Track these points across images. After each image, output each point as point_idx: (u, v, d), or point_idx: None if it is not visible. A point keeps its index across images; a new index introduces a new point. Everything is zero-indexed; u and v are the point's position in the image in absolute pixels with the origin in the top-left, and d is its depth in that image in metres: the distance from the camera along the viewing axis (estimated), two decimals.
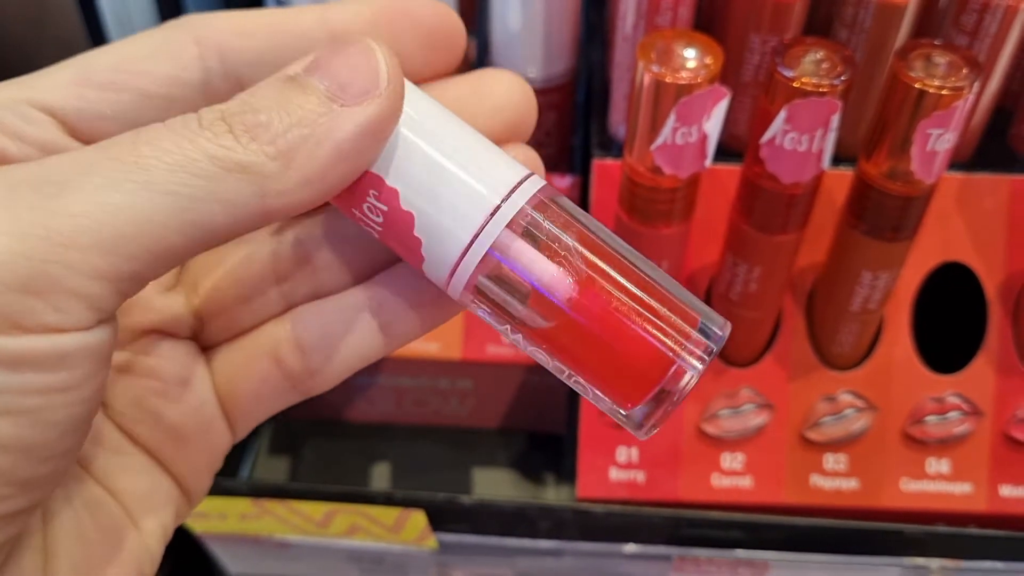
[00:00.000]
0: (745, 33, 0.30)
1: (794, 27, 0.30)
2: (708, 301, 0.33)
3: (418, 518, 0.31)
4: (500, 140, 0.18)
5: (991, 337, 0.32)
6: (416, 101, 0.16)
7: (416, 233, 0.16)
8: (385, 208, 0.16)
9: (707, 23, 0.32)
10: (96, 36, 0.36)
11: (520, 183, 0.16)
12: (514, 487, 0.38)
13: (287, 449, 0.40)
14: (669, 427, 0.32)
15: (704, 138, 0.26)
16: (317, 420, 0.40)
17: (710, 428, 0.32)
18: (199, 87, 0.17)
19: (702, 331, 0.16)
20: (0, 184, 0.14)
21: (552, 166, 0.37)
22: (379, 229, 0.17)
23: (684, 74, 0.25)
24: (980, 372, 0.32)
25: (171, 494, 0.19)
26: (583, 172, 0.36)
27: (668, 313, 0.16)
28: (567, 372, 0.17)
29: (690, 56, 0.25)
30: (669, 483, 0.33)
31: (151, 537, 0.19)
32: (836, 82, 0.25)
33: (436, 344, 0.36)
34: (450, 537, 0.32)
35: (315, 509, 0.31)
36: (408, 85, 0.16)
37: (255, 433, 0.40)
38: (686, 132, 0.26)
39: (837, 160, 0.31)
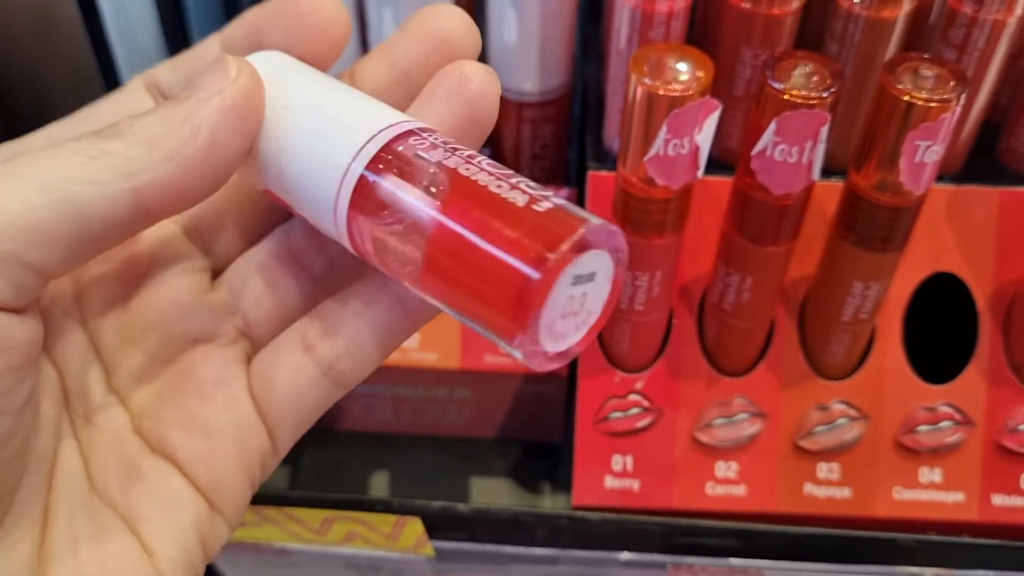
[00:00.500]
0: (737, 48, 0.31)
1: (785, 41, 0.30)
2: (701, 311, 0.33)
3: (415, 525, 0.31)
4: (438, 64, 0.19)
5: (982, 347, 0.33)
6: (289, 96, 0.18)
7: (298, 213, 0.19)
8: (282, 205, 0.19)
9: (700, 38, 0.33)
10: (100, 50, 0.37)
11: (378, 132, 0.17)
12: (511, 495, 0.39)
13: (286, 458, 0.40)
14: (664, 436, 0.33)
15: (696, 150, 0.27)
16: (315, 429, 0.40)
17: (704, 437, 0.33)
18: None
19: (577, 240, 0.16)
20: None
21: (548, 178, 0.38)
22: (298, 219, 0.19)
23: (676, 87, 0.25)
24: (971, 382, 0.33)
25: (193, 503, 0.19)
26: (579, 184, 0.36)
27: (525, 225, 0.16)
28: (453, 309, 0.17)
29: (682, 69, 0.26)
30: (664, 491, 0.33)
31: (160, 554, 0.18)
32: (825, 94, 0.25)
33: (434, 354, 0.36)
34: (447, 545, 0.33)
35: (313, 516, 0.31)
36: (288, 85, 0.18)
37: None
38: (678, 144, 0.26)
39: (828, 173, 0.32)
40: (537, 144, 0.37)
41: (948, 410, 0.32)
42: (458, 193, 0.16)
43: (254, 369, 0.20)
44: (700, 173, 0.28)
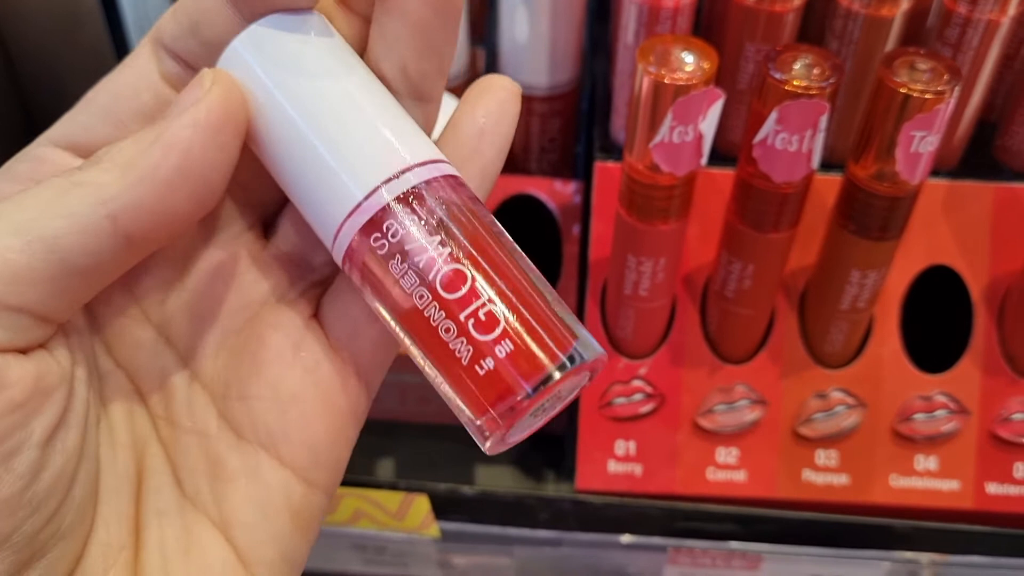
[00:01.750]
0: (740, 42, 0.32)
1: (787, 37, 0.31)
2: (704, 299, 0.34)
3: (421, 503, 0.32)
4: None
5: (977, 338, 0.34)
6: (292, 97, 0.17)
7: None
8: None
9: (705, 33, 0.34)
10: (120, 44, 0.38)
11: (397, 174, 0.16)
12: (515, 482, 0.39)
13: None
14: (666, 421, 0.34)
15: (700, 137, 0.28)
16: None
17: (706, 423, 0.33)
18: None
19: (570, 358, 0.16)
20: None
21: (556, 171, 0.39)
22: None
23: (681, 75, 0.26)
24: (966, 372, 0.33)
25: (286, 491, 0.18)
26: (586, 177, 0.37)
27: (530, 333, 0.15)
28: (426, 368, 0.16)
29: (687, 59, 0.27)
30: (666, 476, 0.34)
31: (256, 559, 0.18)
32: (824, 85, 0.26)
33: None
34: (452, 526, 0.33)
35: None
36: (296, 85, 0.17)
37: None
38: (683, 131, 0.27)
39: (828, 166, 0.33)
40: (546, 138, 0.38)
41: (944, 399, 0.33)
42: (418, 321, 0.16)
43: (328, 314, 0.19)
44: (704, 161, 0.29)
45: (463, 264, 0.16)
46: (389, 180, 0.16)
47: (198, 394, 0.19)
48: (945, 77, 0.27)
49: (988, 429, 0.33)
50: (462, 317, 0.15)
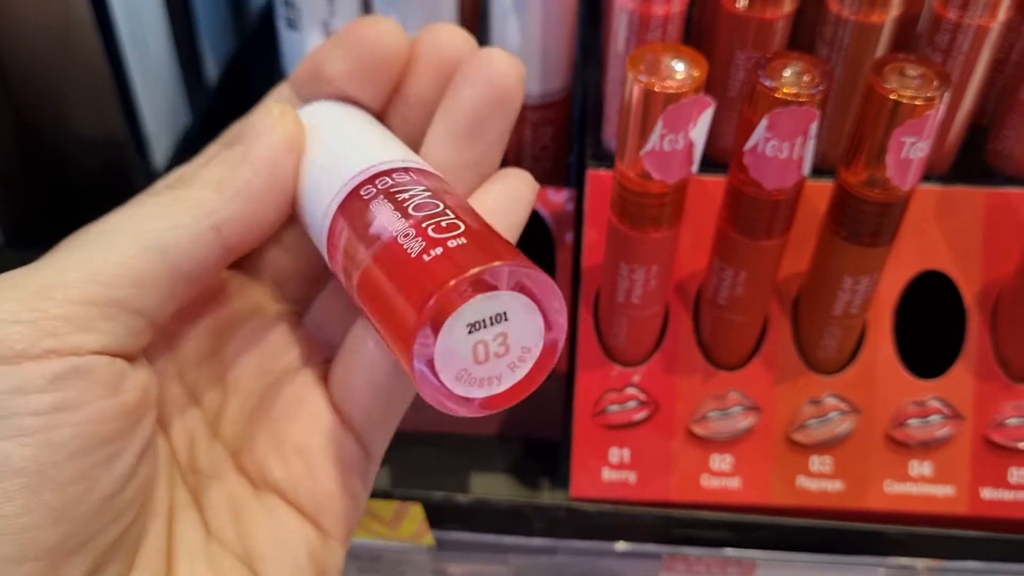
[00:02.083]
0: (731, 51, 0.32)
1: (777, 44, 0.31)
2: (697, 306, 0.34)
3: (416, 512, 0.32)
4: (486, 113, 0.20)
5: (970, 343, 0.34)
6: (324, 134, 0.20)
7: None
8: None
9: (695, 41, 0.34)
10: (113, 56, 0.38)
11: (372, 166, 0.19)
12: (510, 490, 0.39)
13: None
14: (660, 429, 0.34)
15: (690, 145, 0.28)
16: None
17: (699, 430, 0.33)
18: None
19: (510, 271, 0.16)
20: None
21: (548, 180, 0.39)
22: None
23: (671, 84, 0.26)
24: (960, 377, 0.33)
25: (302, 533, 0.19)
26: (579, 185, 0.37)
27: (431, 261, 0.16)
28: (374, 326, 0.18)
29: (677, 67, 0.27)
30: (660, 483, 0.34)
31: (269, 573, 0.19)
32: (814, 92, 0.27)
33: None
34: (447, 534, 0.33)
35: None
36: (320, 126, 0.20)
37: None
38: (673, 139, 0.27)
39: (819, 173, 0.33)
40: (538, 146, 0.38)
41: (937, 404, 0.33)
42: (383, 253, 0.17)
43: (331, 378, 0.20)
44: (695, 168, 0.29)
45: (431, 199, 0.18)
46: (365, 170, 0.19)
47: (217, 449, 0.20)
48: (935, 83, 0.27)
49: (982, 434, 0.33)
50: (424, 224, 0.17)
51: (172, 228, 0.18)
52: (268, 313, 0.22)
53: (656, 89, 0.26)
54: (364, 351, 0.20)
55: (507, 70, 0.20)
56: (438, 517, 0.33)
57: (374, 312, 0.17)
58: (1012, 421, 0.33)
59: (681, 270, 0.34)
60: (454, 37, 0.21)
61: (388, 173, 0.19)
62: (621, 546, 0.33)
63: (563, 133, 0.38)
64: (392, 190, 0.18)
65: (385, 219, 0.17)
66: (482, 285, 0.16)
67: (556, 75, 0.36)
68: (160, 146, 0.42)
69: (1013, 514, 0.33)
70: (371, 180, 0.18)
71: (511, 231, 0.20)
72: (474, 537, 0.33)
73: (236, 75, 0.47)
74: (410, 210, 0.17)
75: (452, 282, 0.16)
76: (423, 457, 0.40)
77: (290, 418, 0.20)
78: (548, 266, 0.36)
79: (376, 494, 0.32)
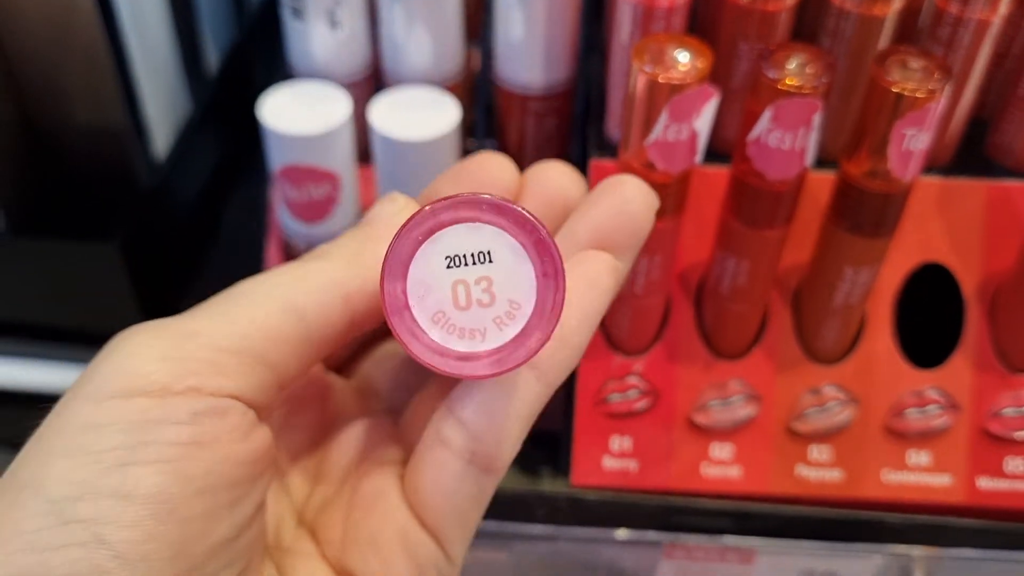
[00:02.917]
0: (735, 42, 0.32)
1: (780, 36, 0.32)
2: (699, 295, 0.34)
3: None
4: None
5: (969, 335, 0.34)
6: None
7: None
8: None
9: (699, 32, 0.34)
10: (118, 50, 0.38)
11: None
12: (512, 479, 0.39)
13: None
14: (661, 418, 0.34)
15: (694, 136, 0.28)
16: None
17: (700, 419, 0.34)
18: None
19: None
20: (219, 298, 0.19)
21: None
22: None
23: (676, 74, 0.27)
24: (958, 368, 0.34)
25: None
26: (582, 176, 0.38)
27: None
28: None
29: (682, 58, 0.27)
30: (660, 472, 0.34)
31: None
32: (817, 83, 0.27)
33: None
34: None
35: None
36: None
37: None
38: (677, 129, 0.28)
39: (822, 164, 0.33)
40: (542, 137, 0.38)
41: (936, 395, 0.34)
42: None
43: (406, 477, 0.20)
44: (699, 159, 0.29)
45: None
46: None
47: (302, 532, 0.21)
48: (936, 75, 0.27)
49: (979, 424, 0.34)
50: None
51: (306, 293, 0.18)
52: (364, 414, 0.23)
53: (660, 80, 0.27)
54: (432, 452, 0.19)
55: (637, 194, 0.21)
56: None
57: None
58: (1009, 411, 0.33)
59: (683, 260, 0.34)
60: (563, 175, 0.23)
61: None
62: (622, 534, 0.34)
63: (566, 124, 0.38)
64: None
65: None
66: (463, 212, 0.15)
67: (560, 66, 0.36)
68: (161, 135, 0.42)
69: (1009, 503, 0.33)
70: None
71: (587, 320, 0.20)
72: None
73: (237, 65, 0.47)
74: None
75: (428, 206, 0.16)
76: None
77: (367, 509, 0.20)
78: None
79: None
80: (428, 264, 0.16)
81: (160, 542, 0.16)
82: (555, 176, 0.22)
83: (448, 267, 0.16)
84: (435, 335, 0.16)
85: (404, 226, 0.16)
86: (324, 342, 0.19)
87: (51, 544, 0.15)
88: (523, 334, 0.16)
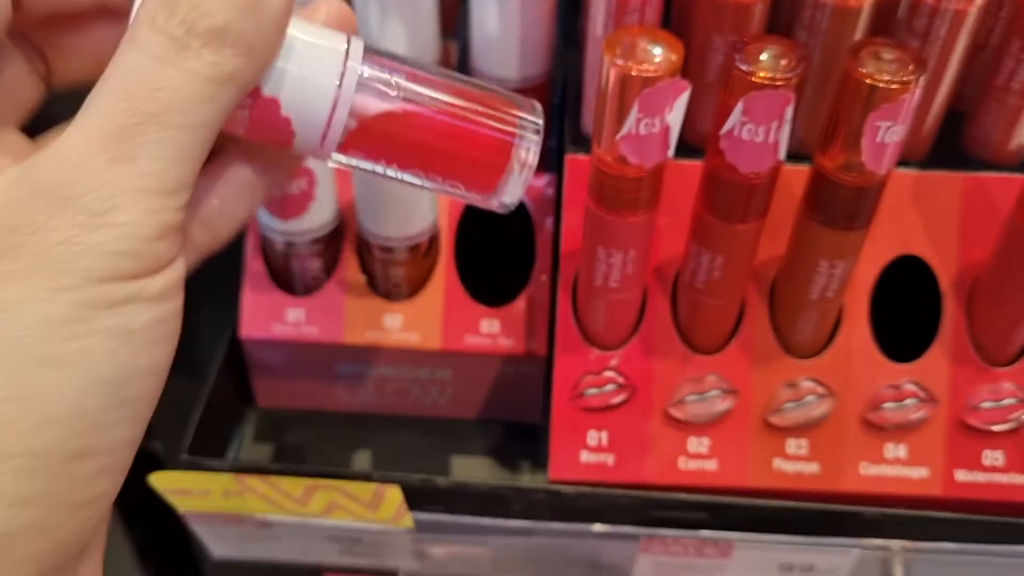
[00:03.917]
0: (708, 35, 0.32)
1: (755, 28, 0.31)
2: (675, 290, 0.34)
3: (394, 494, 0.32)
4: None
5: (946, 328, 0.34)
6: None
7: (284, 114, 0.20)
8: (250, 102, 0.19)
9: (673, 25, 0.34)
10: None
11: (348, 47, 0.20)
12: (490, 474, 0.39)
13: (271, 438, 0.41)
14: (638, 412, 0.34)
15: (667, 129, 0.28)
16: (300, 410, 0.41)
17: (677, 413, 0.34)
18: None
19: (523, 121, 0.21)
20: None
21: None
22: (246, 124, 0.20)
23: (648, 67, 0.26)
24: (935, 361, 0.34)
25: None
26: (558, 170, 0.37)
27: (495, 110, 0.21)
28: (439, 183, 0.21)
29: (654, 51, 0.27)
30: (637, 466, 0.34)
31: None
32: (789, 75, 0.27)
33: (416, 334, 0.37)
34: (426, 516, 0.34)
35: (295, 485, 0.32)
36: None
37: (240, 421, 0.41)
38: (649, 123, 0.27)
39: (797, 158, 0.33)
40: None
41: (913, 388, 0.34)
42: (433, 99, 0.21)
43: None
44: (671, 152, 0.29)
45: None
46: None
47: None
48: (910, 67, 0.27)
49: (957, 417, 0.34)
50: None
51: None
52: None
53: (632, 73, 0.26)
54: None
55: None
56: (417, 499, 0.33)
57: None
58: (986, 404, 0.33)
59: (659, 254, 0.34)
60: None
61: (373, 54, 0.20)
62: (599, 528, 0.34)
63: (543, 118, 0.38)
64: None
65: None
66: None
67: (536, 60, 0.36)
68: None
69: (987, 496, 0.33)
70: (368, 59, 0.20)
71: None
72: (453, 519, 0.34)
73: None
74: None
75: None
76: (404, 442, 0.41)
77: None
78: (528, 251, 0.36)
79: (356, 476, 0.32)
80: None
81: None
82: None
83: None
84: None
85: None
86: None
87: None
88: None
